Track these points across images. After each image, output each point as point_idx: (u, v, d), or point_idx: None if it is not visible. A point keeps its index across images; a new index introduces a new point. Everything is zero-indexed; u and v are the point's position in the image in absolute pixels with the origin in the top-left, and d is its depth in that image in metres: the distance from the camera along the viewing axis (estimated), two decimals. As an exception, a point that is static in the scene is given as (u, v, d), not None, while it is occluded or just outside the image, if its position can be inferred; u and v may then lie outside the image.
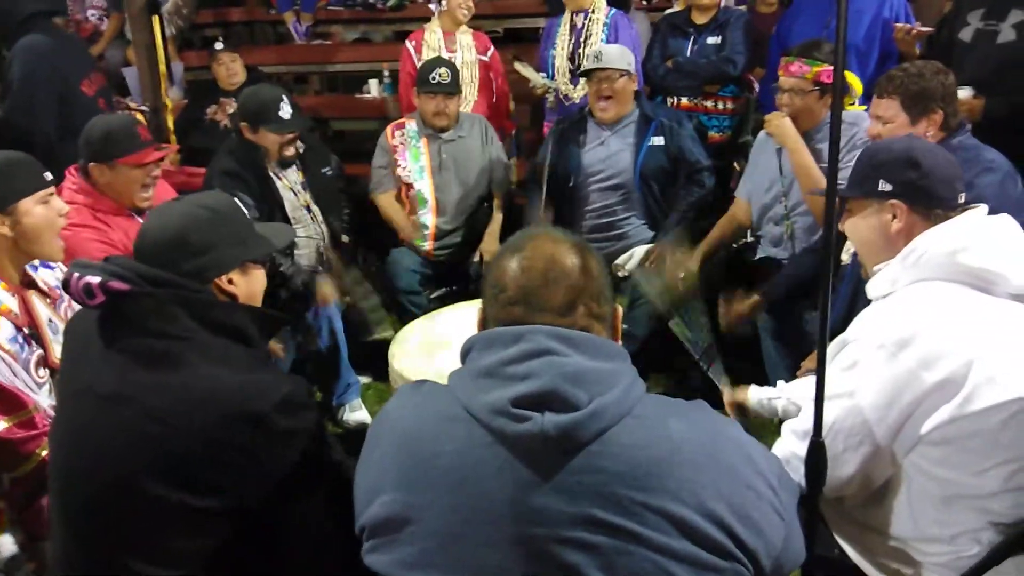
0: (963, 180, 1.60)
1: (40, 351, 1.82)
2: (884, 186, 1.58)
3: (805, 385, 1.90)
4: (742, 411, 2.02)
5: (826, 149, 2.68)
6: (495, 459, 1.00)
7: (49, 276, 1.96)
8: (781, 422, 1.93)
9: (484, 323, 1.14)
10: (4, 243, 1.79)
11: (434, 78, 3.31)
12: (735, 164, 3.85)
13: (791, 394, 1.91)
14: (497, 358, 1.04)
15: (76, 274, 1.30)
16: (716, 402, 1.54)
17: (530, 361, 1.02)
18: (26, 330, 1.81)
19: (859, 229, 1.66)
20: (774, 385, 1.99)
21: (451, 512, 1.01)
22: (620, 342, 1.15)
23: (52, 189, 1.89)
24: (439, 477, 1.03)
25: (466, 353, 1.11)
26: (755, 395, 1.98)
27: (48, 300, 1.92)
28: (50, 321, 1.86)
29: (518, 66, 3.98)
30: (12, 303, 1.81)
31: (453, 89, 3.34)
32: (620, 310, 1.17)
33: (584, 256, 1.11)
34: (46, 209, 1.85)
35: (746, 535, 1.01)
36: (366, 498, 1.09)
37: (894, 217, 1.57)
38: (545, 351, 1.02)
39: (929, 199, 1.55)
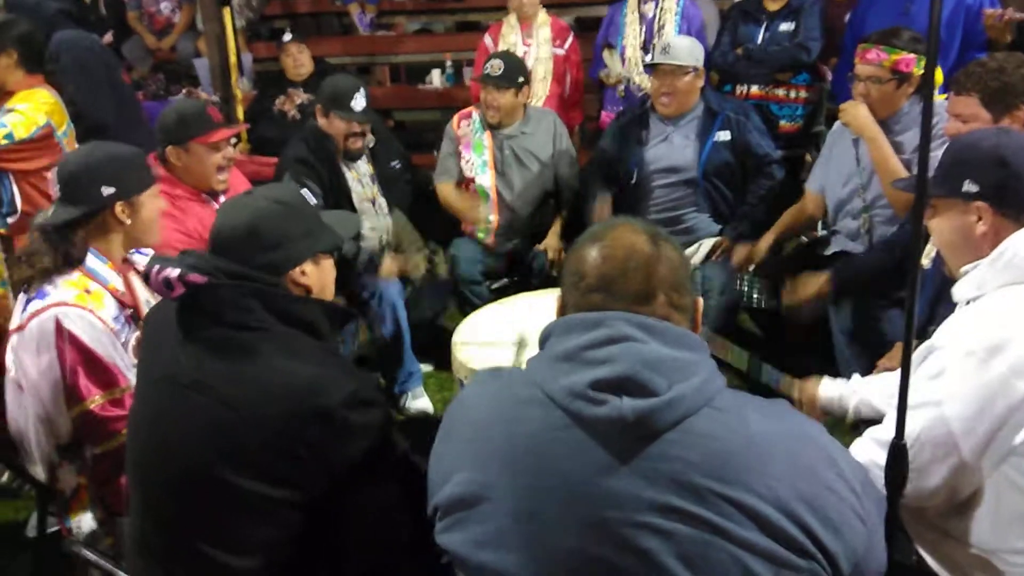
0: None
1: (138, 332, 1.90)
2: (970, 186, 1.49)
3: (882, 382, 1.83)
4: (815, 406, 1.96)
5: (905, 141, 2.60)
6: (572, 441, 1.01)
7: (143, 262, 2.03)
8: (853, 423, 1.88)
9: (563, 311, 1.14)
10: (120, 229, 1.89)
11: (487, 69, 3.28)
12: (807, 155, 3.75)
13: (865, 391, 1.85)
14: (576, 343, 1.04)
15: (156, 267, 1.34)
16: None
17: (609, 347, 1.02)
18: (128, 311, 1.89)
19: (942, 230, 1.58)
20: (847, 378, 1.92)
21: (525, 492, 1.02)
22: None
23: (159, 185, 2.02)
24: (515, 457, 1.03)
25: (545, 339, 1.11)
26: (826, 390, 1.91)
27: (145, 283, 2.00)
28: (148, 302, 1.93)
29: (606, 54, 3.93)
30: (118, 282, 1.89)
31: (503, 83, 3.25)
32: (701, 302, 1.16)
33: (664, 246, 1.11)
34: (156, 202, 1.96)
35: (825, 536, 0.99)
36: (441, 478, 1.11)
37: (979, 219, 1.50)
38: (624, 337, 1.02)
39: (1019, 202, 1.47)
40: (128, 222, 1.88)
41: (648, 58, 3.43)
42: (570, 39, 4.12)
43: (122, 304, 1.87)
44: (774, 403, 1.08)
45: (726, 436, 0.99)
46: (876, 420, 1.66)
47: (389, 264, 3.01)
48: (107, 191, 1.83)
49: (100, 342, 1.77)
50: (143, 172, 1.94)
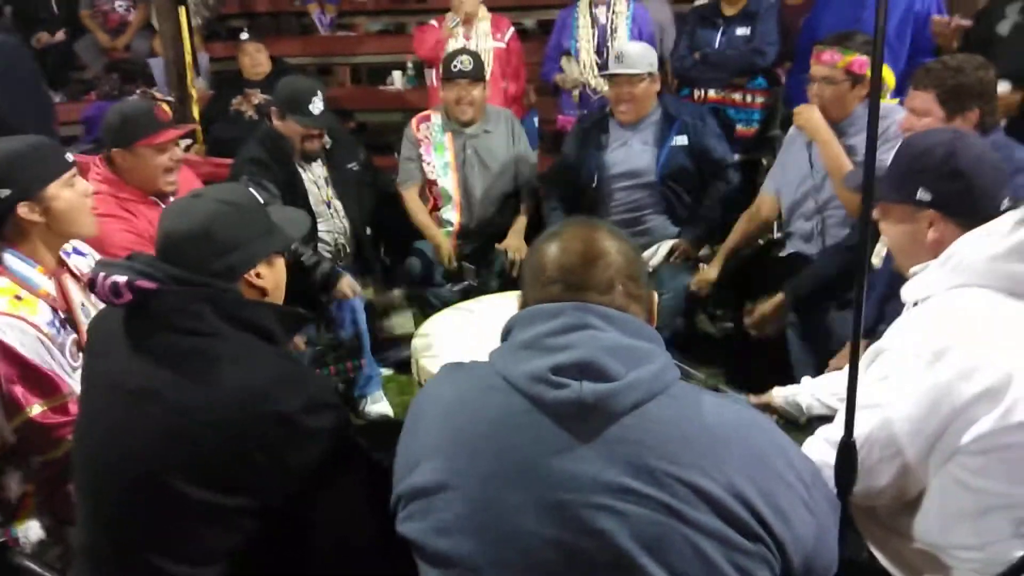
0: (1008, 185, 1.53)
1: (74, 335, 1.85)
2: (923, 195, 1.50)
3: (832, 382, 1.86)
4: (769, 411, 1.99)
5: (858, 144, 2.65)
6: (532, 426, 1.03)
7: (82, 263, 1.97)
8: (808, 422, 1.91)
9: (524, 306, 1.15)
10: (37, 229, 1.81)
11: (455, 66, 3.28)
12: (763, 159, 3.80)
13: (816, 390, 1.88)
14: (537, 331, 1.07)
15: (102, 273, 1.30)
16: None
17: (570, 334, 1.05)
18: (62, 314, 1.83)
19: (893, 233, 1.61)
20: (799, 382, 1.96)
21: (487, 478, 1.03)
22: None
23: (75, 170, 1.89)
24: (477, 444, 1.05)
25: (508, 331, 1.13)
26: (779, 394, 1.95)
27: (81, 284, 1.93)
28: (83, 305, 1.88)
29: (564, 61, 3.95)
30: (49, 286, 1.83)
31: (477, 75, 3.29)
32: (656, 296, 1.18)
33: (620, 239, 1.15)
34: (72, 191, 1.85)
35: (774, 523, 1.01)
36: (405, 469, 1.11)
37: (930, 226, 1.51)
38: (584, 325, 1.05)
39: (970, 212, 1.48)
40: (41, 219, 1.79)
41: (602, 63, 3.45)
42: (510, 32, 4.13)
43: (55, 308, 1.81)
44: (728, 396, 1.13)
45: (681, 422, 1.02)
46: (828, 417, 1.69)
47: (345, 287, 2.92)
48: (3, 193, 1.74)
49: (35, 350, 1.71)
50: (43, 164, 1.81)
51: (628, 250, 1.15)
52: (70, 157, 1.89)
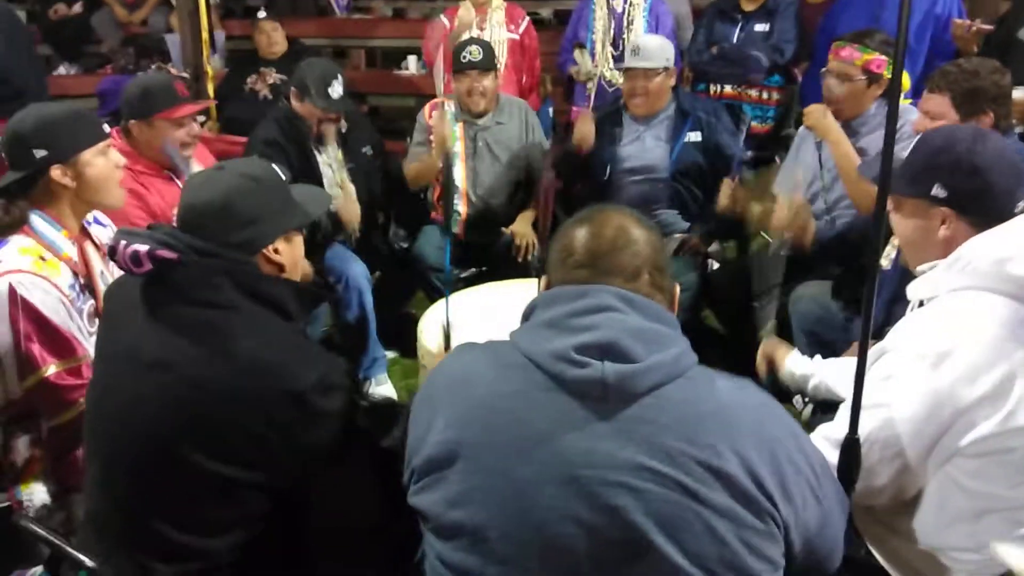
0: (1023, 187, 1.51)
1: (92, 302, 1.87)
2: (939, 191, 1.48)
3: (840, 367, 1.84)
4: (769, 366, 1.98)
5: (870, 144, 2.64)
6: (551, 402, 1.04)
7: (102, 233, 2.00)
8: (807, 421, 1.91)
9: (549, 287, 1.17)
10: (67, 193, 1.84)
11: (465, 57, 3.24)
12: (776, 158, 3.79)
13: (827, 375, 1.86)
14: (561, 311, 1.09)
15: (124, 241, 1.31)
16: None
17: (594, 315, 1.06)
18: (82, 279, 1.85)
19: (904, 227, 1.59)
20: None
21: (502, 450, 1.04)
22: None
23: (110, 140, 1.93)
24: (494, 417, 1.06)
25: (530, 311, 1.15)
26: (792, 363, 1.93)
27: (101, 253, 1.96)
28: (102, 273, 1.90)
29: (577, 53, 3.94)
30: (72, 251, 1.85)
31: (487, 65, 3.26)
32: (678, 288, 1.20)
33: (649, 229, 1.17)
34: (105, 160, 1.89)
35: (781, 503, 1.03)
36: (417, 443, 1.12)
37: (943, 223, 1.50)
38: (608, 307, 1.07)
39: (985, 212, 1.46)
40: (72, 184, 1.82)
41: (618, 55, 3.43)
42: (524, 23, 4.10)
43: (76, 273, 1.84)
44: (743, 380, 1.13)
45: (697, 403, 1.04)
46: (829, 404, 1.69)
47: (346, 208, 2.96)
48: (39, 154, 1.77)
49: (55, 310, 1.74)
50: (81, 130, 1.85)
51: (656, 240, 1.16)
52: (106, 128, 1.94)
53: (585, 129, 3.18)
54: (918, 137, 1.62)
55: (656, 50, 3.13)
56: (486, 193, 3.39)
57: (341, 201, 2.96)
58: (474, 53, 3.23)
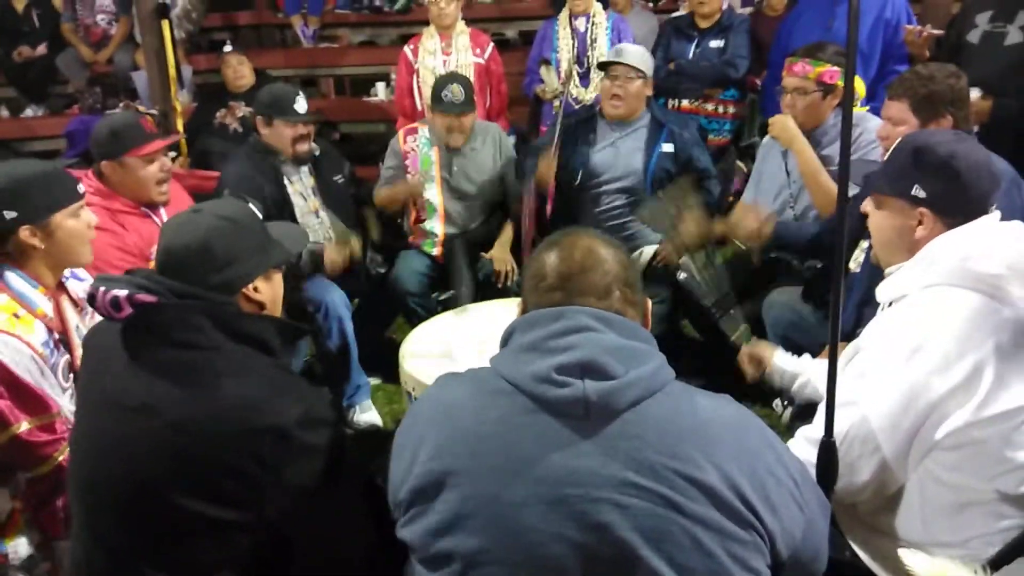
0: (998, 191, 1.55)
1: (67, 356, 1.85)
2: (918, 191, 1.52)
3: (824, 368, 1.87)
4: (758, 366, 2.01)
5: (831, 154, 2.67)
6: (535, 424, 1.06)
7: (78, 287, 1.98)
8: (787, 425, 1.93)
9: (524, 312, 1.19)
10: (37, 252, 1.82)
11: (446, 96, 3.21)
12: (741, 164, 3.86)
13: (815, 374, 1.88)
14: (539, 334, 1.11)
15: (103, 288, 1.31)
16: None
17: (570, 336, 1.09)
18: (56, 335, 1.84)
19: (881, 226, 1.62)
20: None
21: (489, 474, 1.05)
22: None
23: (83, 201, 1.90)
24: (480, 444, 1.08)
25: (508, 336, 1.17)
26: (780, 360, 1.96)
27: (77, 308, 1.94)
28: (77, 328, 1.88)
29: (543, 70, 3.99)
30: (48, 307, 1.84)
31: (467, 108, 3.23)
32: (650, 302, 1.23)
33: (616, 248, 1.21)
34: (76, 222, 1.87)
35: (765, 514, 1.05)
36: (403, 476, 1.13)
37: (919, 223, 1.54)
38: (584, 327, 1.10)
39: (961, 214, 1.51)
40: (41, 245, 1.80)
41: (583, 72, 3.47)
42: (489, 48, 4.14)
43: (50, 329, 1.82)
44: (720, 395, 1.15)
45: (678, 418, 1.07)
46: (809, 408, 1.72)
47: (332, 254, 2.94)
48: (9, 215, 1.75)
49: (27, 369, 1.72)
50: (52, 192, 1.82)
51: (624, 258, 1.20)
52: (81, 188, 1.90)
53: (544, 168, 3.16)
54: (871, 151, 1.67)
55: (638, 55, 3.19)
56: (463, 215, 3.41)
57: (323, 245, 2.95)
58: (455, 93, 3.20)
